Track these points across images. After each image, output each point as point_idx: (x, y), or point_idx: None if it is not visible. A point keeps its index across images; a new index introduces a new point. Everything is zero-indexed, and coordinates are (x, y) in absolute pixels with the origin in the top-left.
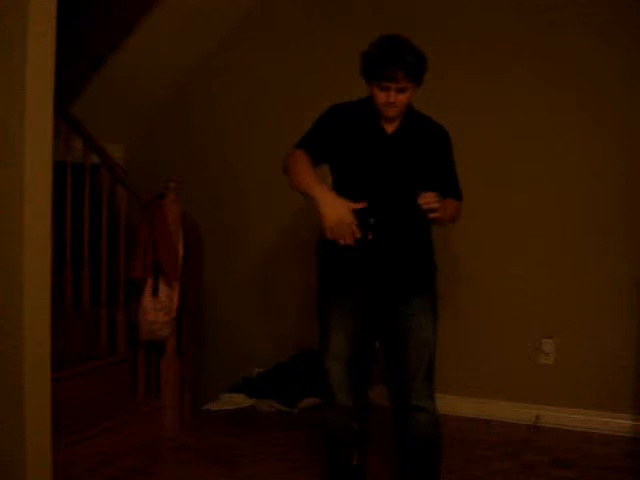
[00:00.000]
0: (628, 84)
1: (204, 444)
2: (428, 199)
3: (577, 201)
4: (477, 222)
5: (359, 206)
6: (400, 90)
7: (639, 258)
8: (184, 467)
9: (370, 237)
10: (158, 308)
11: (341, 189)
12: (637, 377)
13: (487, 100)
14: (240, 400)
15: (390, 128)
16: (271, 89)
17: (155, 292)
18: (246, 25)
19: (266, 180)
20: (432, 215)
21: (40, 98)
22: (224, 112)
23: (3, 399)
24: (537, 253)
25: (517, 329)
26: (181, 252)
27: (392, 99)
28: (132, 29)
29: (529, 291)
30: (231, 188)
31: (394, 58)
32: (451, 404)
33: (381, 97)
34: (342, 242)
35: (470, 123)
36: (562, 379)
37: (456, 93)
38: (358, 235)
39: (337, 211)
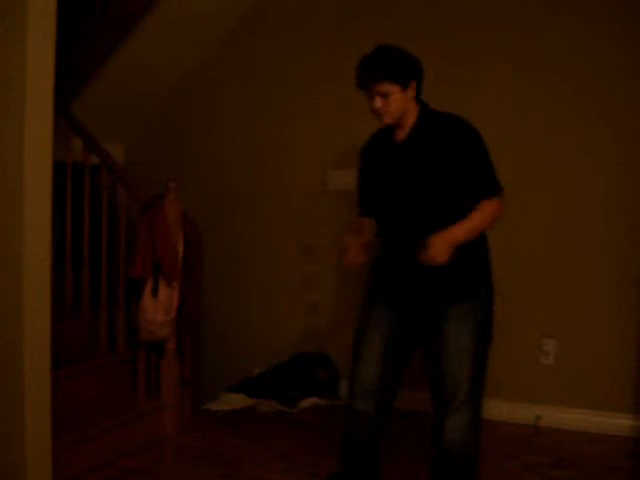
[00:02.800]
0: (635, 83)
1: (204, 444)
2: (429, 254)
3: (577, 201)
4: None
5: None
6: (382, 95)
7: (639, 258)
8: (184, 467)
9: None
10: (158, 308)
11: (374, 210)
12: (637, 377)
13: (489, 99)
14: (240, 400)
15: (401, 136)
16: (271, 89)
17: (155, 292)
18: (246, 26)
19: (266, 180)
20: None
21: (40, 98)
22: (224, 112)
23: (3, 399)
24: (537, 253)
25: (517, 329)
26: (181, 252)
27: (377, 105)
28: (132, 29)
29: (529, 291)
30: (231, 188)
31: (363, 65)
32: None
33: (370, 106)
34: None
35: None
36: (562, 379)
37: (456, 92)
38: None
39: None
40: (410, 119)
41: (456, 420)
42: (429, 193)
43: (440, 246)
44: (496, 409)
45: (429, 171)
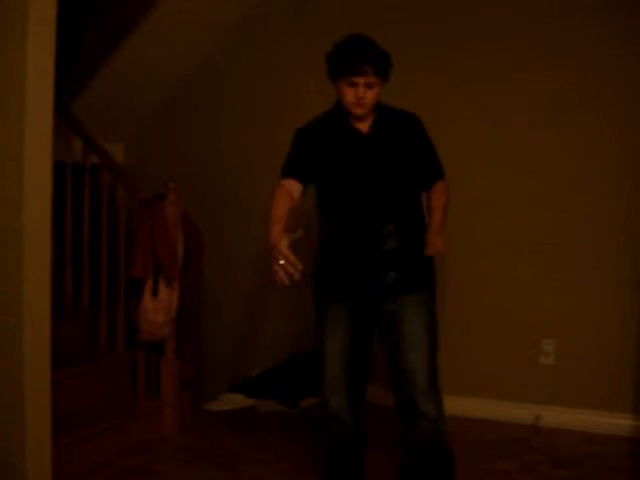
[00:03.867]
0: (632, 81)
1: (204, 444)
2: (436, 248)
3: (577, 201)
4: (477, 222)
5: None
6: (369, 85)
7: (639, 258)
8: (184, 467)
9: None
10: (158, 308)
11: (327, 201)
12: (637, 377)
13: (489, 100)
14: (240, 400)
15: (364, 128)
16: (271, 89)
17: (155, 292)
18: (245, 26)
19: (266, 180)
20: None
21: (40, 98)
22: (224, 112)
23: (3, 399)
24: (537, 253)
25: (517, 329)
26: (181, 252)
27: (361, 94)
28: (132, 29)
29: (529, 291)
30: (231, 188)
31: (362, 52)
32: (451, 404)
33: (350, 94)
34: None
35: (470, 122)
36: (562, 379)
37: (456, 92)
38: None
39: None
40: (372, 112)
41: (425, 405)
42: (395, 181)
43: (439, 239)
44: (496, 409)
45: (395, 161)
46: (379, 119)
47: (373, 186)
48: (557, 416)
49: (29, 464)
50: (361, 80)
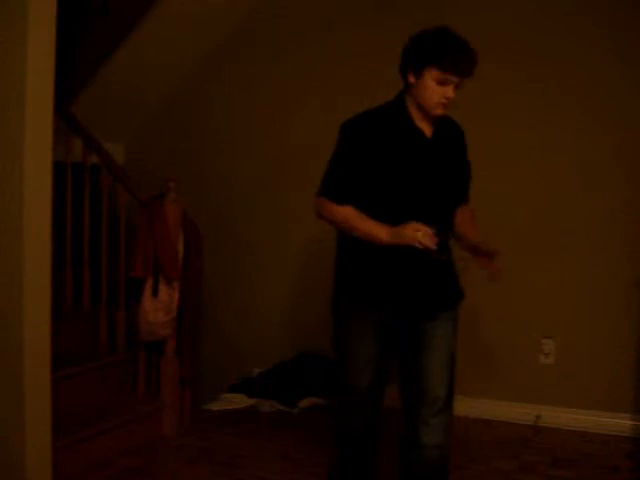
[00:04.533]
0: (631, 87)
1: (204, 444)
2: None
3: (577, 201)
4: (478, 223)
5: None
6: (457, 86)
7: (639, 258)
8: (184, 467)
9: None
10: (158, 308)
11: (374, 204)
12: (637, 377)
13: (486, 104)
14: (240, 400)
15: (428, 131)
16: (271, 89)
17: (155, 292)
18: (246, 26)
19: (266, 180)
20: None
21: (40, 98)
22: (225, 111)
23: (3, 399)
24: (537, 253)
25: (517, 329)
26: (181, 252)
27: (451, 94)
28: (132, 29)
29: (529, 291)
30: (231, 188)
31: (469, 52)
32: None
33: (438, 92)
34: (432, 249)
35: (469, 124)
36: (562, 379)
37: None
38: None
39: (408, 229)
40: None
41: (439, 420)
42: (451, 192)
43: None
44: (496, 409)
45: (453, 171)
46: (439, 123)
47: (432, 194)
48: (557, 416)
49: (29, 464)
50: (457, 80)
